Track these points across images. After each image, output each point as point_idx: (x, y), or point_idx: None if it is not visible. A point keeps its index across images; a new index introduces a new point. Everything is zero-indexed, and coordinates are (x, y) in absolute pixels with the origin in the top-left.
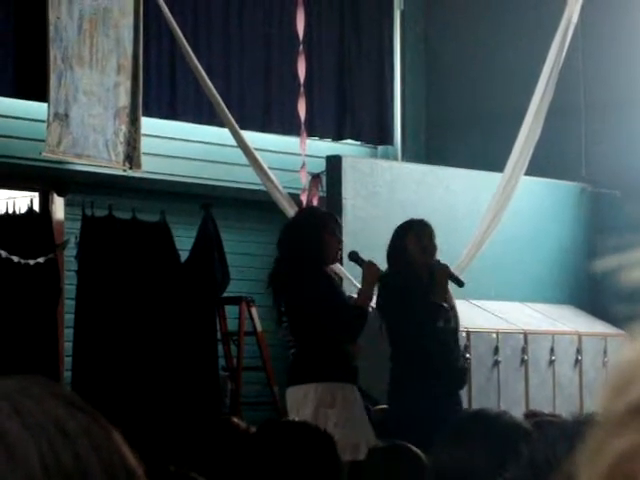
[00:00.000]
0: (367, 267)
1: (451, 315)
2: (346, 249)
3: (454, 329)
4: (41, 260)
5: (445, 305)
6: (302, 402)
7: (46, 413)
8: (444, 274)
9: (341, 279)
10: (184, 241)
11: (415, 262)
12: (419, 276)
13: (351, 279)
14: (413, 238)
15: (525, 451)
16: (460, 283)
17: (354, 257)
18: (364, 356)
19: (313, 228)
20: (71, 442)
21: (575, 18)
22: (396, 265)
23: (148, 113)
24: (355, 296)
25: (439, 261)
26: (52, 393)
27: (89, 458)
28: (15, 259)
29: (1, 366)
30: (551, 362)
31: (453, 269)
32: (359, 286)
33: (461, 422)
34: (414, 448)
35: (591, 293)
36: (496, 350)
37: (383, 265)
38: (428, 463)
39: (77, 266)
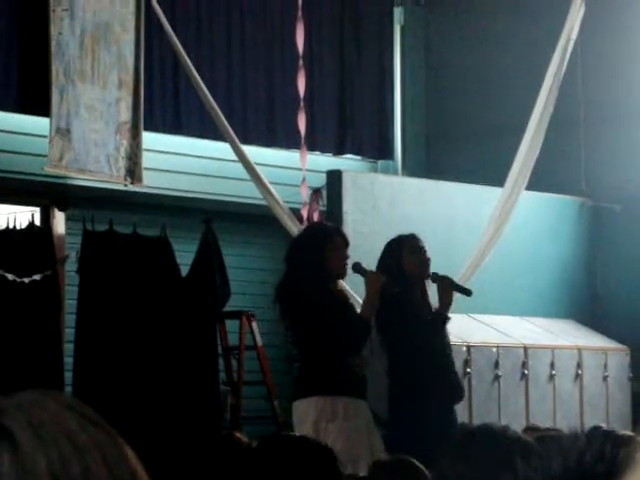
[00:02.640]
0: (370, 277)
1: (447, 330)
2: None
3: (449, 344)
4: (37, 277)
5: (450, 316)
6: (304, 416)
7: (59, 426)
8: (447, 286)
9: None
10: (185, 256)
11: (410, 276)
12: (414, 291)
13: (355, 296)
14: (408, 252)
15: (521, 466)
16: (467, 292)
17: (358, 268)
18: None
19: (315, 244)
20: (82, 455)
21: (575, 34)
22: (392, 281)
23: (149, 128)
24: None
25: (437, 273)
26: (68, 407)
27: (99, 472)
28: (10, 277)
29: (3, 382)
30: (551, 376)
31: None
32: (360, 301)
33: (464, 437)
34: (417, 462)
35: (591, 307)
36: (496, 364)
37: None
38: (431, 477)
39: (78, 281)
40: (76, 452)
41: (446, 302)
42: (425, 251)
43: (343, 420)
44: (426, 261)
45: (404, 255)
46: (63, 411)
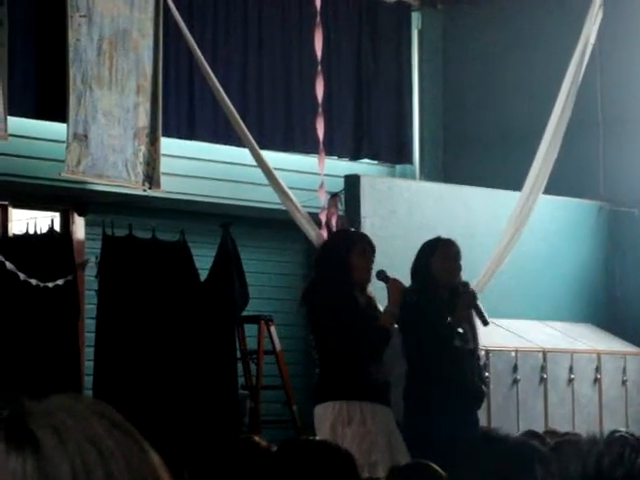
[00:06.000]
0: (391, 285)
1: (469, 336)
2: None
3: (471, 350)
4: (60, 282)
5: (460, 330)
6: (321, 420)
7: (85, 431)
8: (470, 303)
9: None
10: (203, 260)
11: (437, 281)
12: (440, 296)
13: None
14: (438, 258)
15: (539, 471)
16: (484, 321)
17: (382, 276)
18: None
19: (340, 251)
20: (106, 461)
21: (593, 39)
22: (419, 282)
23: (167, 133)
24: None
25: (468, 285)
26: (96, 412)
27: (122, 478)
28: (34, 282)
29: (23, 387)
30: (570, 380)
31: (472, 287)
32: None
33: (472, 442)
34: (435, 466)
35: (610, 311)
36: (515, 368)
37: (405, 283)
38: None
39: (97, 285)
40: (100, 458)
41: (458, 315)
42: (456, 259)
43: (359, 425)
44: (455, 270)
45: (434, 260)
46: (91, 416)
